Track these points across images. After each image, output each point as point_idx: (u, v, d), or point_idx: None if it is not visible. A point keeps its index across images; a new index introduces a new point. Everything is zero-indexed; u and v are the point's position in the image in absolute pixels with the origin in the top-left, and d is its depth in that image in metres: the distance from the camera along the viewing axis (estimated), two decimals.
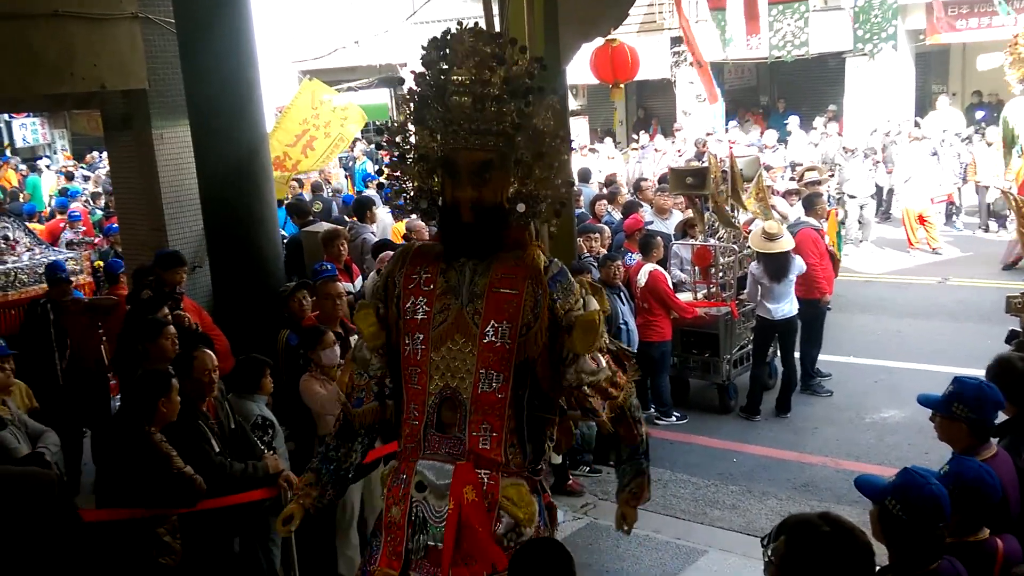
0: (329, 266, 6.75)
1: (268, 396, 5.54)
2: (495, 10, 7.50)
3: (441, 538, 3.23)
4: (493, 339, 3.29)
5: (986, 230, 15.17)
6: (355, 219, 9.83)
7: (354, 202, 11.07)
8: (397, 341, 3.43)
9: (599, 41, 9.46)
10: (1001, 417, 3.86)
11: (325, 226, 8.94)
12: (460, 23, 3.34)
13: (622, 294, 7.97)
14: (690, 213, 9.58)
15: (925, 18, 18.15)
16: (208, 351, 5.08)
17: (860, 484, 3.03)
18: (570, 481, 7.21)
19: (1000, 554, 3.08)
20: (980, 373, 4.29)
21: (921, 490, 2.85)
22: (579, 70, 10.93)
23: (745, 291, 8.72)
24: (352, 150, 19.41)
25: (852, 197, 14.51)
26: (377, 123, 27.58)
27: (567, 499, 6.98)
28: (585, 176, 14.07)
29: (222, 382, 5.32)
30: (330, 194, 14.53)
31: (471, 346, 3.29)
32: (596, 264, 8.01)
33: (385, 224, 11.41)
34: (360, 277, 8.22)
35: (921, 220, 14.14)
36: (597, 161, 17.82)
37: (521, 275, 3.35)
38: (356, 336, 3.71)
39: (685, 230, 9.44)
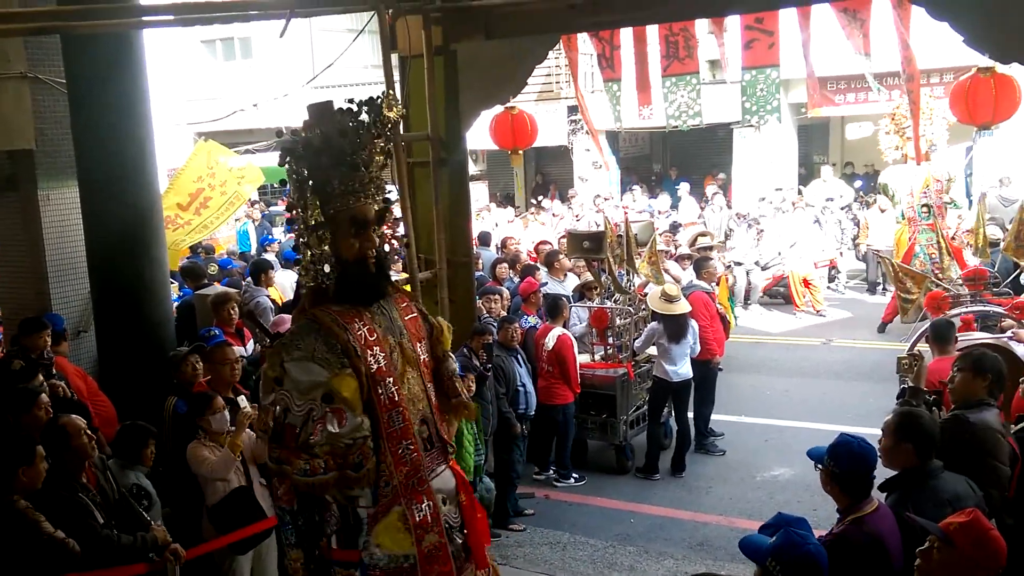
0: (217, 331, 6.59)
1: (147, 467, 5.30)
2: (396, 77, 7.58)
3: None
4: (425, 357, 3.83)
5: (872, 292, 15.89)
6: (250, 281, 9.67)
7: (251, 265, 10.90)
8: (369, 396, 3.54)
9: (499, 108, 9.64)
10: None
11: (218, 289, 8.76)
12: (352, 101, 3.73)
13: (519, 356, 8.03)
14: (588, 276, 9.76)
15: (806, 92, 19.15)
16: (75, 416, 4.82)
17: (744, 546, 3.11)
18: None
19: None
20: (863, 430, 4.49)
21: (799, 549, 2.94)
22: (479, 136, 11.08)
23: (638, 340, 8.87)
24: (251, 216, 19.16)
25: (739, 264, 15.07)
26: (275, 185, 27.49)
27: None
28: (485, 239, 14.21)
29: (103, 450, 5.10)
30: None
31: (417, 371, 3.76)
32: (495, 326, 8.07)
33: (284, 286, 11.25)
34: (252, 341, 8.05)
35: (806, 283, 14.76)
36: (498, 226, 18.05)
37: (407, 300, 3.93)
38: (261, 404, 3.59)
39: (582, 292, 9.60)
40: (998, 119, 8.12)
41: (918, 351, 7.57)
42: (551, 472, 8.55)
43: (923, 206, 12.38)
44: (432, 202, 7.62)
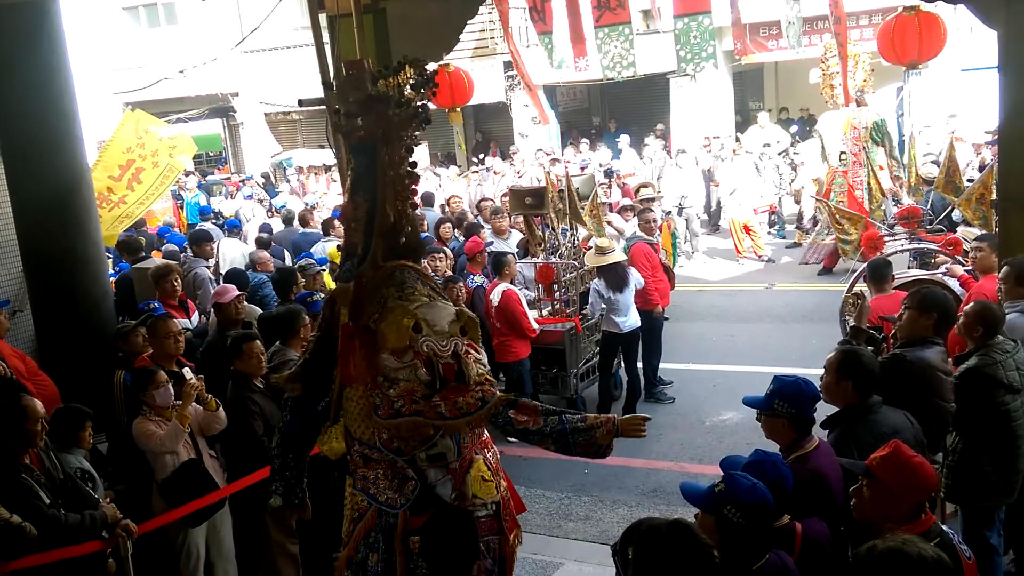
0: (156, 304, 6.50)
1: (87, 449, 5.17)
2: (325, 37, 7.45)
3: None
4: None
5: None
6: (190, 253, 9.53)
7: (189, 235, 10.73)
8: None
9: (433, 66, 9.53)
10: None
11: (157, 262, 8.61)
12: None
13: None
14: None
15: (733, 39, 19.29)
16: (38, 403, 4.71)
17: (686, 493, 3.20)
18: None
19: (798, 536, 3.30)
20: (808, 371, 4.60)
21: (753, 494, 3.03)
22: None
23: (588, 306, 8.95)
24: (184, 187, 18.75)
25: (685, 198, 15.28)
26: (211, 154, 26.94)
27: None
28: (428, 200, 14.12)
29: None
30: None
31: None
32: (440, 284, 8.05)
33: (231, 256, 11.11)
34: (196, 313, 7.94)
35: (747, 230, 14.97)
36: (441, 186, 17.95)
37: None
38: (399, 368, 3.60)
39: (527, 249, 9.62)
40: (924, 57, 8.25)
41: (859, 290, 7.75)
42: None
43: (840, 152, 12.60)
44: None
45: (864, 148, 12.49)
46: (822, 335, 9.32)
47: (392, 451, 3.70)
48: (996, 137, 12.82)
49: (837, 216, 10.85)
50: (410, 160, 3.91)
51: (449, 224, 10.86)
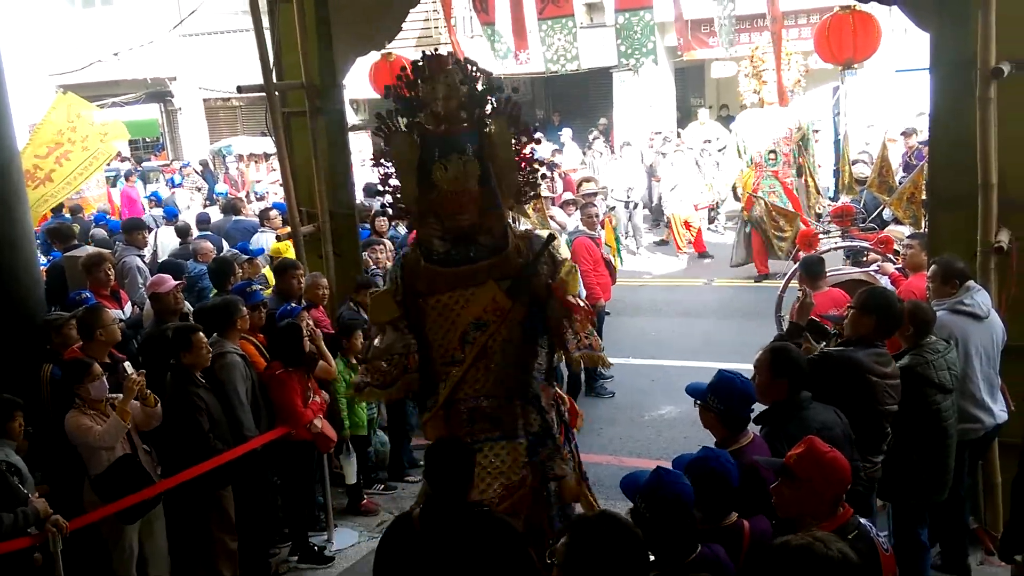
0: (87, 294, 6.33)
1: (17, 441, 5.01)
2: (265, 23, 7.35)
3: None
4: None
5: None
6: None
7: (122, 224, 10.50)
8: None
9: (376, 55, 9.46)
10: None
11: (89, 250, 8.40)
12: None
13: None
14: None
15: (676, 35, 19.44)
16: None
17: (623, 487, 3.26)
18: (364, 501, 7.14)
19: (746, 535, 3.37)
20: (742, 366, 4.66)
21: (663, 489, 3.08)
22: (360, 84, 10.88)
23: None
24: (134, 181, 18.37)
25: (631, 190, 15.39)
26: (147, 140, 26.35)
27: (362, 519, 6.97)
28: (372, 191, 13.98)
29: None
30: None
31: None
32: (382, 277, 8.01)
33: (170, 246, 10.90)
34: (129, 303, 7.77)
35: (687, 225, 15.14)
36: None
37: None
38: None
39: None
40: (860, 56, 8.40)
41: (805, 289, 7.89)
42: None
43: (770, 152, 12.61)
44: (311, 152, 7.48)
45: (796, 148, 12.64)
46: (757, 331, 9.48)
47: None
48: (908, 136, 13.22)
49: (773, 213, 11.08)
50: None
51: (384, 218, 10.69)
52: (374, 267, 8.49)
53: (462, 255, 4.59)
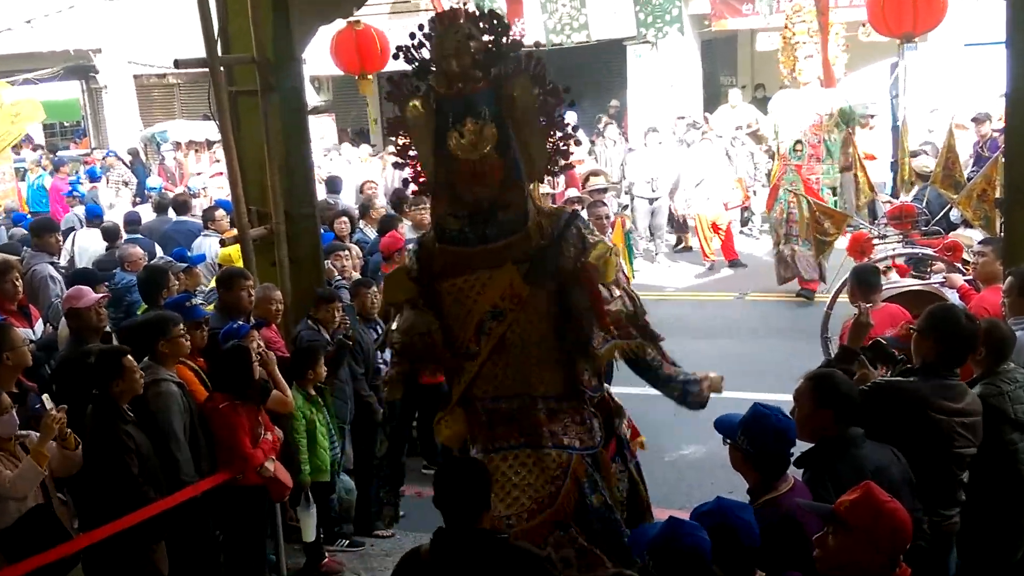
0: None
1: None
2: None
3: None
4: None
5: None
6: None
7: (31, 225, 10.49)
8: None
9: (341, 23, 9.49)
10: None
11: None
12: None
13: (379, 327, 7.98)
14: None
15: (709, 1, 19.52)
16: None
17: (631, 542, 3.29)
18: (325, 560, 7.12)
19: None
20: (783, 398, 4.64)
21: (676, 542, 3.15)
22: (320, 59, 10.90)
23: None
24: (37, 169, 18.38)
25: (655, 199, 15.45)
26: (66, 124, 26.34)
27: None
28: (334, 185, 14.01)
29: None
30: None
31: None
32: (348, 289, 8.02)
33: (93, 251, 10.90)
34: (41, 320, 7.73)
35: (715, 228, 15.15)
36: (349, 168, 17.86)
37: None
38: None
39: None
40: (922, 28, 8.37)
41: (860, 305, 7.89)
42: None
43: (796, 143, 12.61)
44: (262, 139, 7.49)
45: (824, 139, 12.52)
46: (802, 353, 9.49)
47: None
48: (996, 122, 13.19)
49: (817, 213, 11.03)
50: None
51: (345, 218, 10.74)
52: (339, 277, 8.50)
53: (478, 234, 4.75)
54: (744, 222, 17.08)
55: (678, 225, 16.78)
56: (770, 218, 12.63)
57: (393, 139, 5.04)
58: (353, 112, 25.26)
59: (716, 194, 15.17)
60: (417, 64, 4.77)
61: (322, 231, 8.90)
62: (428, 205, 10.49)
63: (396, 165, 5.27)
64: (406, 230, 10.20)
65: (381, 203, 12.66)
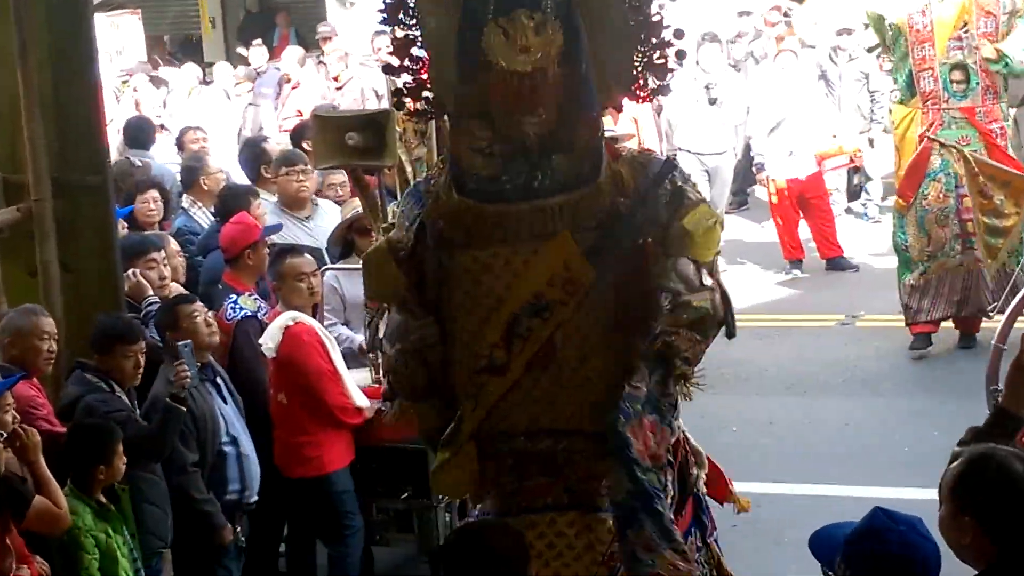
0: None
1: None
2: None
3: None
4: None
5: None
6: None
7: None
8: None
9: None
10: None
11: None
12: None
13: (221, 380, 7.98)
14: (356, 204, 9.73)
15: None
16: None
17: (813, 548, 3.77)
18: None
19: None
20: (927, 495, 4.63)
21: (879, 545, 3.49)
22: None
23: None
24: None
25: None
26: None
27: None
28: (141, 138, 14.03)
29: None
30: None
31: None
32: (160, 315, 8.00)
33: None
34: None
35: (803, 204, 15.10)
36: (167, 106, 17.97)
37: None
38: None
39: (349, 239, 9.57)
40: None
41: None
42: None
43: (953, 67, 12.11)
44: (13, 62, 7.46)
45: (1004, 56, 11.97)
46: (957, 420, 9.54)
47: None
48: None
49: (982, 179, 11.02)
50: None
51: (154, 193, 10.85)
52: (150, 295, 8.41)
53: (521, 184, 4.93)
54: (853, 194, 17.11)
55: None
56: (917, 209, 12.26)
57: (388, 24, 5.14)
58: (173, 12, 25.34)
59: (804, 145, 15.17)
60: None
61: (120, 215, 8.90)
62: (307, 167, 10.63)
63: (387, 69, 5.41)
64: (266, 209, 10.16)
65: (217, 166, 12.58)
